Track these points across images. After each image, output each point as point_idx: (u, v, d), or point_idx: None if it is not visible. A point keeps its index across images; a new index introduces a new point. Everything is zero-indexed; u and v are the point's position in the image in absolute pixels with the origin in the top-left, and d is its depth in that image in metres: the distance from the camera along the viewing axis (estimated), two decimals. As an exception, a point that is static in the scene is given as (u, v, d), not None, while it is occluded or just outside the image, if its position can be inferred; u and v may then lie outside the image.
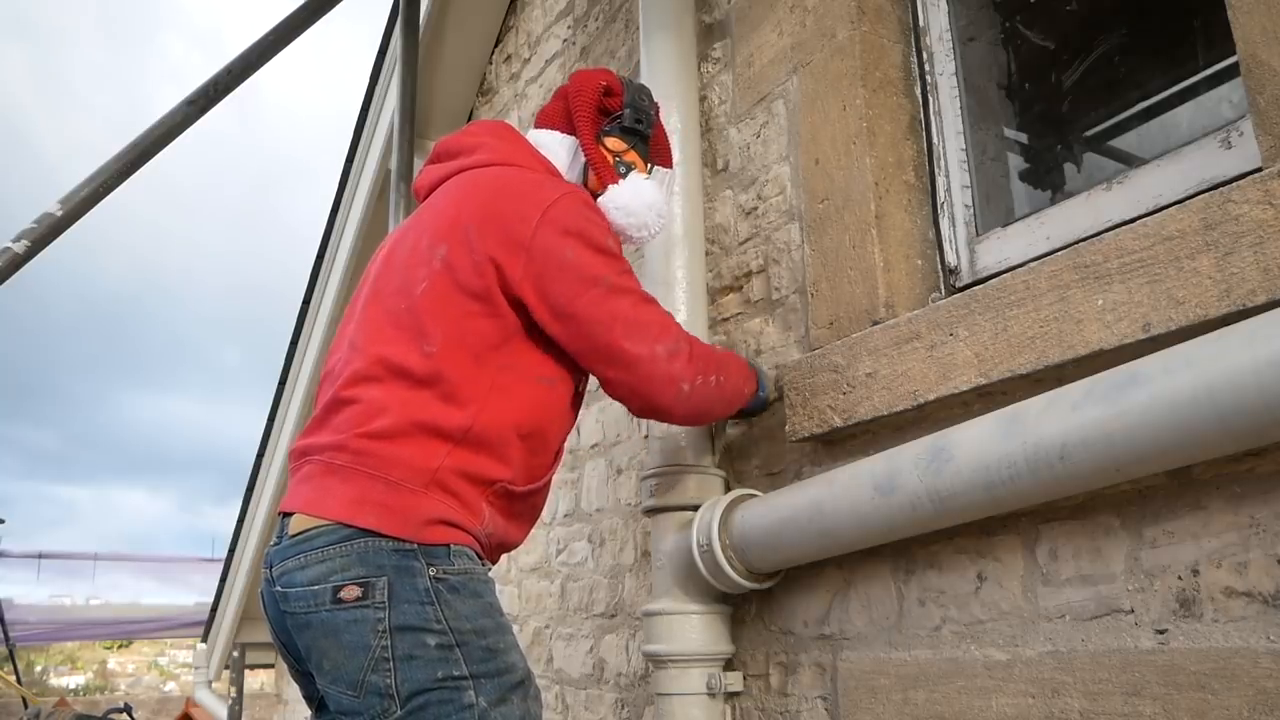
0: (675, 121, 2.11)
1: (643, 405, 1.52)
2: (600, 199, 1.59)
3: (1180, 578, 1.19)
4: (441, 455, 1.35)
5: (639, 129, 1.67)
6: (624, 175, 1.63)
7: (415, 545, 1.30)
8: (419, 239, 1.50)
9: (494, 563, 1.50)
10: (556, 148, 1.65)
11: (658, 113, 1.74)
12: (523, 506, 1.51)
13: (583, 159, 1.65)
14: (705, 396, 1.54)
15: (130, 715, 2.22)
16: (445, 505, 1.35)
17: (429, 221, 1.51)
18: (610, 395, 1.52)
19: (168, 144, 2.94)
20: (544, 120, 1.70)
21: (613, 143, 1.65)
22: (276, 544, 1.38)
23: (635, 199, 1.58)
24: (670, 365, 1.46)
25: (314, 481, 1.37)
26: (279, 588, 1.34)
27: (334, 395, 1.42)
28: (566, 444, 1.61)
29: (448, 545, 1.34)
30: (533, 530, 1.64)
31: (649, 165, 1.70)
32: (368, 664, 1.25)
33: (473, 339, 1.41)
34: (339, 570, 1.28)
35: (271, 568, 1.37)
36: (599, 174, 1.63)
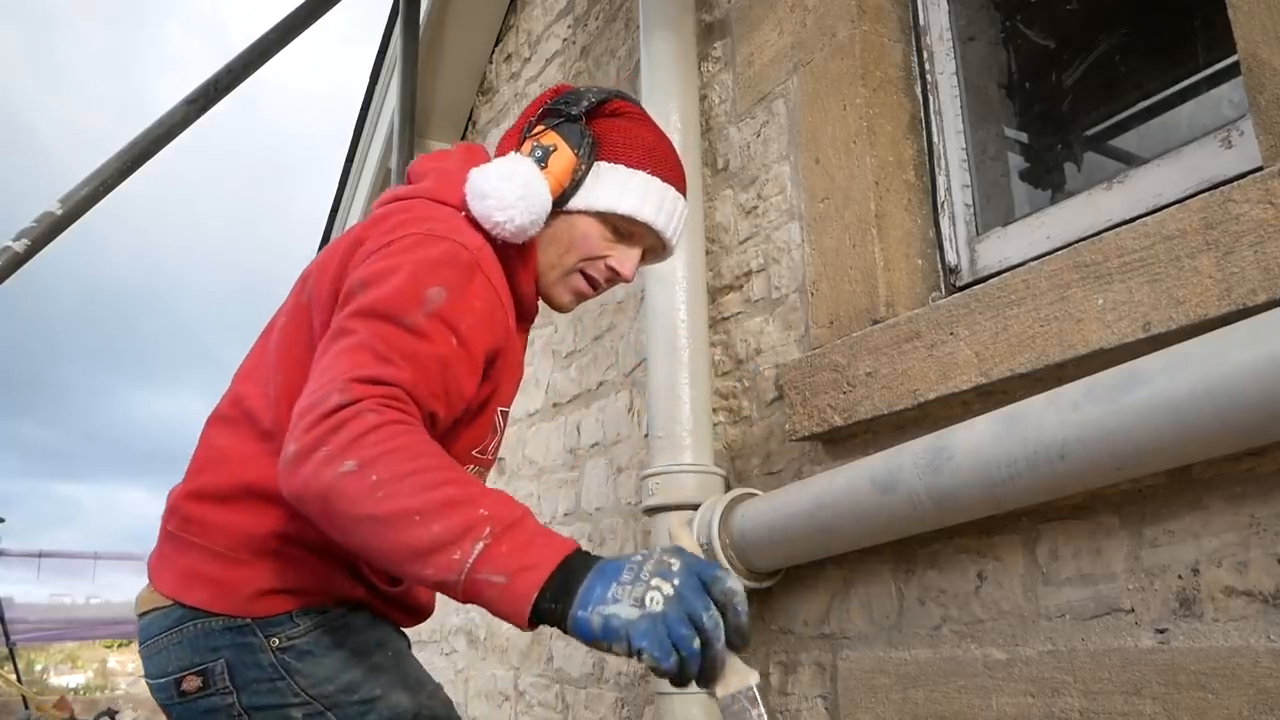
0: (675, 121, 2.11)
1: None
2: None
3: (1180, 577, 1.19)
4: (272, 521, 1.16)
5: (563, 109, 1.29)
6: (535, 162, 1.25)
7: (249, 620, 1.16)
8: (309, 271, 1.29)
9: (403, 623, 1.31)
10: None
11: (626, 103, 1.35)
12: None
13: None
14: (350, 484, 0.96)
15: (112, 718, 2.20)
16: (279, 573, 1.17)
17: (326, 253, 1.28)
18: None
19: (168, 143, 2.95)
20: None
21: (537, 131, 1.29)
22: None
23: (501, 180, 1.21)
24: (301, 417, 1.01)
25: (158, 549, 1.25)
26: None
27: (202, 434, 1.27)
28: (557, 457, 1.48)
29: (288, 613, 1.17)
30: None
31: (586, 154, 1.27)
32: None
33: None
34: (175, 661, 1.17)
35: None
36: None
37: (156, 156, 2.95)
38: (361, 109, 4.31)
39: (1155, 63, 1.92)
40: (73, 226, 2.75)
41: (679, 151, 2.07)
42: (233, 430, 1.21)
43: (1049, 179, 1.98)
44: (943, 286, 1.73)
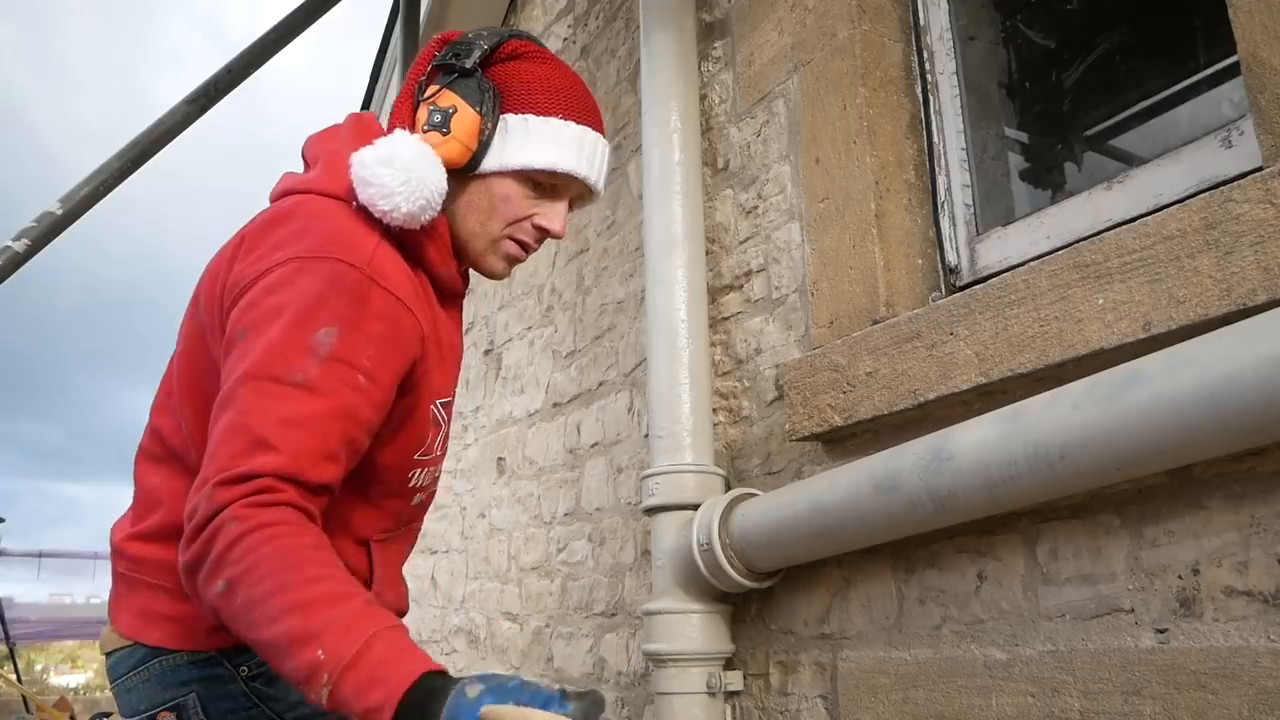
0: (675, 120, 2.11)
1: None
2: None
3: (1180, 577, 1.19)
4: None
5: (454, 63, 1.16)
6: (435, 128, 1.14)
7: (212, 652, 1.13)
8: (199, 293, 1.19)
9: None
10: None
11: (523, 42, 1.22)
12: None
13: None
14: (226, 605, 0.96)
15: None
16: None
17: (213, 266, 1.18)
18: None
19: (168, 143, 2.94)
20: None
21: (431, 93, 1.16)
22: None
23: (379, 165, 1.10)
24: (185, 528, 0.99)
25: (114, 589, 1.22)
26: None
27: (134, 471, 1.22)
28: (557, 457, 1.51)
29: None
30: (532, 532, 1.47)
31: (490, 110, 1.15)
32: None
33: None
34: (146, 699, 1.15)
35: None
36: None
37: (156, 155, 2.95)
38: (362, 108, 4.32)
39: (1155, 63, 1.92)
40: (73, 226, 2.75)
41: (679, 152, 2.09)
42: (162, 469, 1.17)
43: (1049, 179, 1.98)
44: (943, 286, 1.73)
